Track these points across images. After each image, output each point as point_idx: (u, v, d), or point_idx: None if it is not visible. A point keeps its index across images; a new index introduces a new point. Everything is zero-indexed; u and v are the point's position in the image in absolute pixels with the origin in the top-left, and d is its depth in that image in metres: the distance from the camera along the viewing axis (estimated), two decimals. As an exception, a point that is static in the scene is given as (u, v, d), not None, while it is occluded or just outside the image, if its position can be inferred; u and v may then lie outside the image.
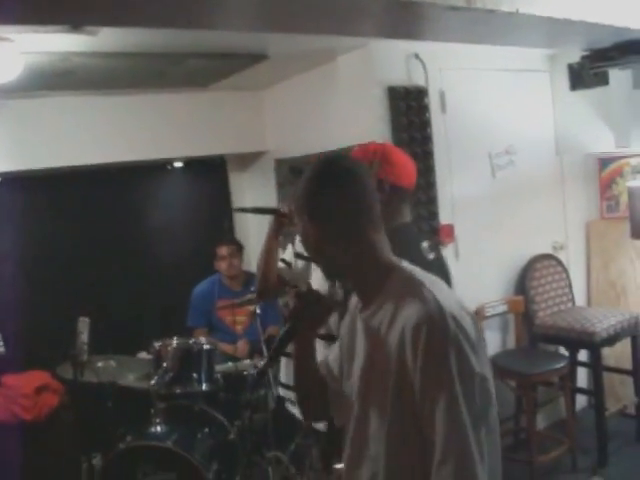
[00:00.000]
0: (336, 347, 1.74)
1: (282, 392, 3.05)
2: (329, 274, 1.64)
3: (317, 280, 2.47)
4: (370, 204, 1.51)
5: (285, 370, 2.97)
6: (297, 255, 2.70)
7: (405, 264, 1.53)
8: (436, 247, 2.38)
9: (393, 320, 1.43)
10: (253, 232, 5.09)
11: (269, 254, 2.84)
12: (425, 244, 2.27)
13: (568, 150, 4.56)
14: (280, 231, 2.83)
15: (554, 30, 3.02)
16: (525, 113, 4.37)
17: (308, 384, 1.74)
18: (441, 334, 1.34)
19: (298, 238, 2.98)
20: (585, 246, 4.81)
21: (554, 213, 4.60)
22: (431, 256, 2.30)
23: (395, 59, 3.78)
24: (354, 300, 1.64)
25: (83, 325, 3.41)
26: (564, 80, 4.36)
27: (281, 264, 2.91)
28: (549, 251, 4.52)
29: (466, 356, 1.34)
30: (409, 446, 1.39)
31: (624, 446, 4.09)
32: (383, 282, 1.49)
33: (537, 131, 4.46)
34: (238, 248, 4.51)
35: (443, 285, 1.51)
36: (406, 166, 2.26)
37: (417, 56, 3.80)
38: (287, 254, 2.95)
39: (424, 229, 3.71)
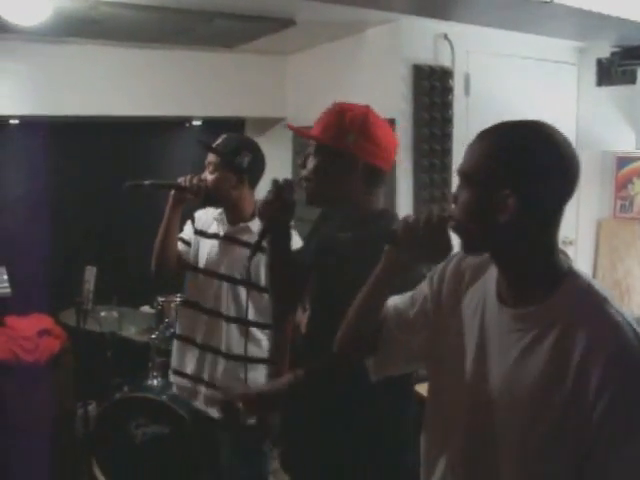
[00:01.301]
0: (410, 298, 1.56)
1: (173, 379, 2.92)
2: (476, 247, 1.34)
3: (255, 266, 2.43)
4: (574, 187, 1.28)
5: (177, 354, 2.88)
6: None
7: (578, 270, 1.28)
8: None
9: (566, 338, 1.18)
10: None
11: (169, 233, 2.69)
12: None
13: (587, 145, 4.52)
14: (180, 207, 2.68)
15: (586, 23, 3.01)
16: (548, 104, 4.33)
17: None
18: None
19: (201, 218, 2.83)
20: (594, 244, 4.80)
21: (567, 208, 4.57)
22: None
23: (423, 37, 3.74)
24: (489, 273, 1.39)
25: (90, 274, 3.46)
26: (591, 74, 4.32)
27: (181, 244, 2.81)
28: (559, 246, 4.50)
29: None
30: None
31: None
32: (552, 286, 1.24)
33: (558, 123, 4.36)
34: None
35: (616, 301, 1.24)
36: (386, 144, 1.94)
37: (446, 36, 3.76)
38: (186, 233, 2.85)
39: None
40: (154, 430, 3.34)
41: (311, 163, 1.95)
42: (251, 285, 2.50)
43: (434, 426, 1.49)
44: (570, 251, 4.53)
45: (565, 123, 4.46)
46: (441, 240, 1.33)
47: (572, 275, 1.26)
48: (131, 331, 3.74)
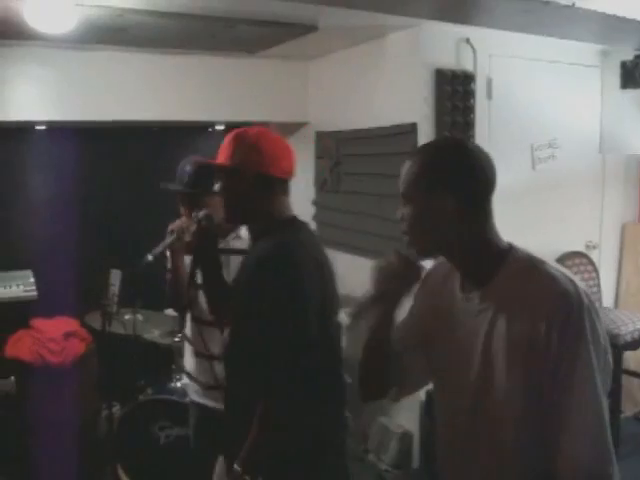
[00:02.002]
0: (403, 323, 1.72)
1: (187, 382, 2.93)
2: (429, 250, 1.56)
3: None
4: (494, 179, 1.51)
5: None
6: (222, 251, 2.54)
7: (517, 246, 1.52)
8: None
9: (520, 301, 1.42)
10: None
11: (179, 278, 2.76)
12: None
13: (612, 149, 4.49)
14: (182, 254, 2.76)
15: (609, 26, 2.99)
16: (572, 107, 4.31)
17: (380, 354, 1.67)
18: (578, 308, 1.36)
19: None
20: (619, 248, 4.76)
21: (591, 211, 4.55)
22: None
23: (445, 42, 3.75)
24: (451, 281, 1.59)
25: (115, 277, 3.49)
26: (615, 77, 4.28)
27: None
28: (582, 249, 4.48)
29: (597, 330, 1.37)
30: (537, 430, 1.39)
31: (636, 450, 4.08)
32: (499, 264, 1.47)
33: (582, 127, 4.40)
34: None
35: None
36: (280, 153, 2.04)
37: (467, 41, 3.76)
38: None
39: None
40: (177, 432, 3.37)
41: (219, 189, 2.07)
42: None
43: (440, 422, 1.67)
44: (594, 255, 4.52)
45: (589, 126, 4.45)
46: (413, 269, 1.57)
47: (513, 250, 1.50)
48: (154, 334, 3.78)
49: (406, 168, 1.53)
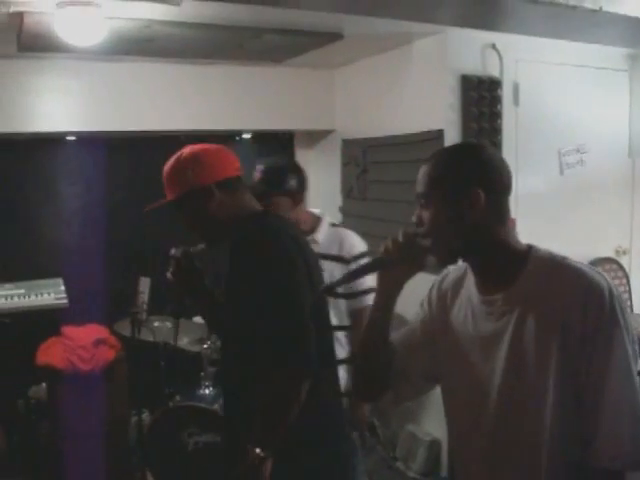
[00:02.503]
0: (409, 329, 1.71)
1: None
2: (451, 253, 1.53)
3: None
4: (510, 181, 1.51)
5: None
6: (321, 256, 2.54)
7: (535, 245, 1.52)
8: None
9: (548, 295, 1.42)
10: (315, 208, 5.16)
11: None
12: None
13: (641, 153, 4.44)
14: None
15: (637, 30, 2.96)
16: (600, 112, 4.27)
17: (380, 348, 1.62)
18: (610, 295, 1.37)
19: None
20: (649, 253, 4.69)
21: (620, 217, 4.49)
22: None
23: (471, 48, 3.74)
24: (465, 286, 1.60)
25: (144, 285, 3.54)
26: (644, 81, 4.25)
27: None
28: (611, 255, 4.42)
29: (628, 318, 1.40)
30: (570, 416, 1.40)
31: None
32: (521, 265, 1.47)
33: (611, 131, 4.35)
34: None
35: None
36: (215, 158, 2.05)
37: (494, 46, 3.75)
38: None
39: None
40: (206, 439, 3.39)
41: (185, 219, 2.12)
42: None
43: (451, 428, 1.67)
44: (624, 260, 4.46)
45: (617, 130, 4.40)
46: (417, 252, 1.53)
47: (534, 250, 1.50)
48: (184, 341, 3.81)
49: (424, 170, 1.54)
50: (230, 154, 2.09)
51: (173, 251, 2.20)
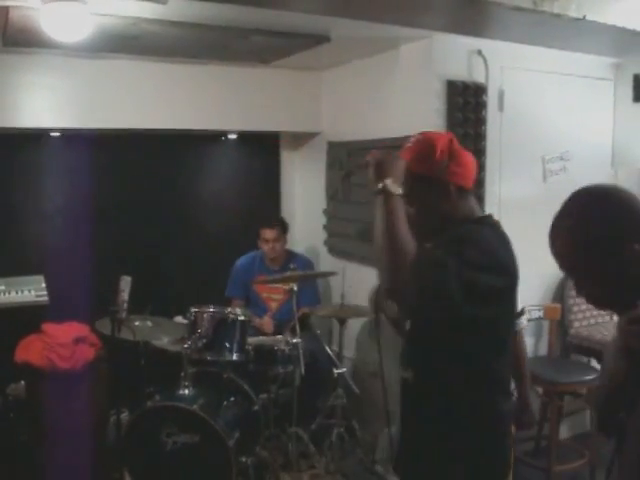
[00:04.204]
0: None
1: None
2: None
3: None
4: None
5: None
6: None
7: None
8: None
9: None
10: (299, 210, 5.18)
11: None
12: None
13: (624, 163, 4.47)
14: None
15: (620, 39, 3.00)
16: (584, 120, 4.30)
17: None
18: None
19: None
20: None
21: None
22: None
23: (457, 54, 3.76)
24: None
25: (125, 284, 3.51)
26: (628, 90, 4.28)
27: None
28: (593, 262, 4.44)
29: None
30: None
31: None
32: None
33: (594, 140, 4.39)
34: (282, 231, 4.50)
35: None
36: (471, 165, 2.03)
37: (480, 52, 3.77)
38: None
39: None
40: (184, 439, 3.38)
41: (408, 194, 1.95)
42: None
43: None
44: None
45: (601, 139, 4.44)
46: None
47: None
48: (164, 341, 3.79)
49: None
50: (475, 166, 2.05)
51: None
